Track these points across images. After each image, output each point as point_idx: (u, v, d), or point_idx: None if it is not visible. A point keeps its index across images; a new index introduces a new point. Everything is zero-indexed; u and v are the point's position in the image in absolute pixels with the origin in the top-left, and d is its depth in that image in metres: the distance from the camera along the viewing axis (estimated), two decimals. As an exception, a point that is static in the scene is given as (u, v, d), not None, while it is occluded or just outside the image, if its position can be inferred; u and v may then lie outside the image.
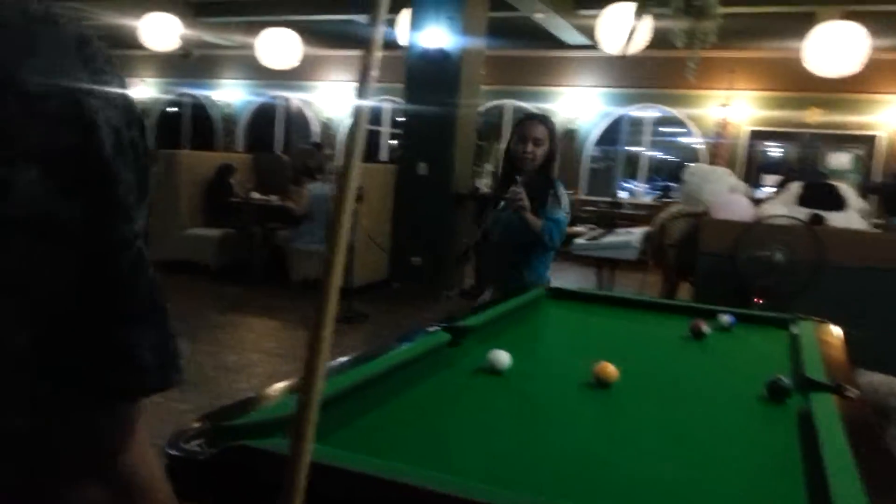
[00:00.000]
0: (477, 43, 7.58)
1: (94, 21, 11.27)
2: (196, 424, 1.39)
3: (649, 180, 12.77)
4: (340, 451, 1.30)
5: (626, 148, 12.78)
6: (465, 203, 7.51)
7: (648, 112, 11.79)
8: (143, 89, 14.91)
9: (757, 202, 5.27)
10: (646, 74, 11.14)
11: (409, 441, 1.49)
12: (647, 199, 11.74)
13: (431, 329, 2.16)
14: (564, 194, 3.00)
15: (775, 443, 1.56)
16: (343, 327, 5.72)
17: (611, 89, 11.68)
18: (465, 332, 2.24)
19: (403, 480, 1.13)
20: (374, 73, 0.56)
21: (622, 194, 12.29)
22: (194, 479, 1.28)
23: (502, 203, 2.85)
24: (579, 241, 5.72)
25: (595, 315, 2.86)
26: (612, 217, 9.53)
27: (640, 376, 2.03)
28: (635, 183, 12.72)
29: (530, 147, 2.90)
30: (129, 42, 11.02)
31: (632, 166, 12.97)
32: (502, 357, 1.97)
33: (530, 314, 2.71)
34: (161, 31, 8.75)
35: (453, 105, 7.27)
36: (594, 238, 5.81)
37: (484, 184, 7.80)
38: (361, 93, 0.54)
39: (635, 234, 5.63)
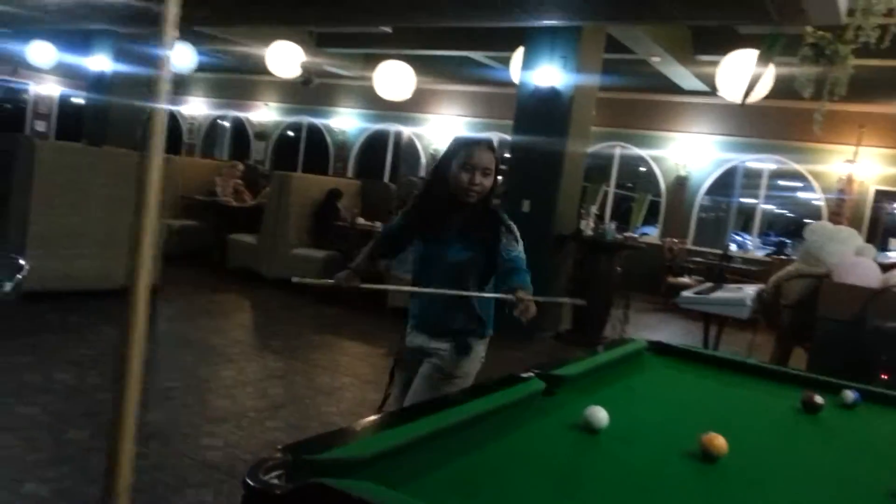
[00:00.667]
0: (589, 83, 7.49)
1: (225, 47, 11.96)
2: (278, 455, 1.35)
3: (762, 234, 12.19)
4: (418, 501, 1.23)
5: (740, 199, 12.26)
6: (568, 244, 7.36)
7: (766, 163, 11.27)
8: (266, 112, 15.62)
9: (886, 267, 4.87)
10: (765, 124, 10.69)
11: (492, 497, 1.39)
12: (760, 255, 11.17)
13: (525, 375, 2.07)
14: (512, 224, 2.53)
15: None
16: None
17: (726, 137, 11.26)
18: (561, 381, 2.13)
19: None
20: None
21: (733, 247, 11.76)
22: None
23: (514, 313, 2.23)
24: (686, 293, 5.45)
25: (700, 376, 2.67)
26: (722, 270, 9.10)
27: (750, 452, 1.85)
28: (747, 236, 12.15)
29: (478, 178, 2.42)
30: (256, 68, 11.62)
31: (744, 218, 12.42)
32: (599, 414, 1.85)
33: (630, 368, 2.56)
34: (285, 59, 9.14)
35: (560, 145, 7.18)
36: (703, 292, 5.53)
37: (588, 226, 7.62)
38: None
39: (748, 291, 5.31)
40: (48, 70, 13.70)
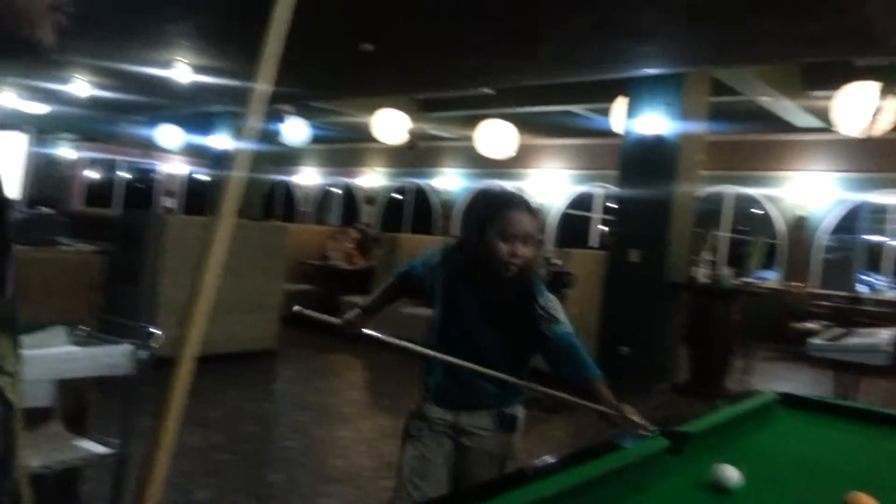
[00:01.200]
0: (696, 128, 7.33)
1: (335, 119, 12.58)
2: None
3: (894, 274, 11.34)
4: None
5: (866, 237, 11.49)
6: (681, 292, 7.12)
7: (893, 198, 10.55)
8: (373, 178, 16.20)
9: None
10: (890, 157, 10.05)
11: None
12: (892, 295, 10.37)
13: (649, 433, 1.99)
14: (549, 297, 2.14)
15: None
16: (548, 416, 5.55)
17: (847, 173, 10.66)
18: (686, 438, 2.03)
19: None
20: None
21: (861, 288, 10.98)
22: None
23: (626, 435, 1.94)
24: (817, 340, 5.11)
25: (839, 430, 2.47)
26: (851, 314, 8.50)
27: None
28: (877, 276, 11.33)
29: (520, 249, 2.03)
30: (363, 136, 12.11)
31: (873, 258, 11.60)
32: (731, 474, 1.74)
33: (760, 423, 2.41)
34: (391, 126, 9.49)
35: (668, 192, 7.02)
36: (834, 338, 5.17)
37: (701, 273, 7.35)
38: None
39: (884, 335, 4.93)
40: (176, 150, 14.82)
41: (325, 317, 2.34)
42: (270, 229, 8.18)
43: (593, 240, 13.22)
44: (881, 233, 11.08)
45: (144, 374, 2.45)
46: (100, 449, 2.46)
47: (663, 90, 7.09)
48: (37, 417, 2.54)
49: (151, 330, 2.66)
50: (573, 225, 13.80)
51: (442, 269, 2.21)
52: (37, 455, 2.35)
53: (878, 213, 11.05)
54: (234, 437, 4.55)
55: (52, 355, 2.51)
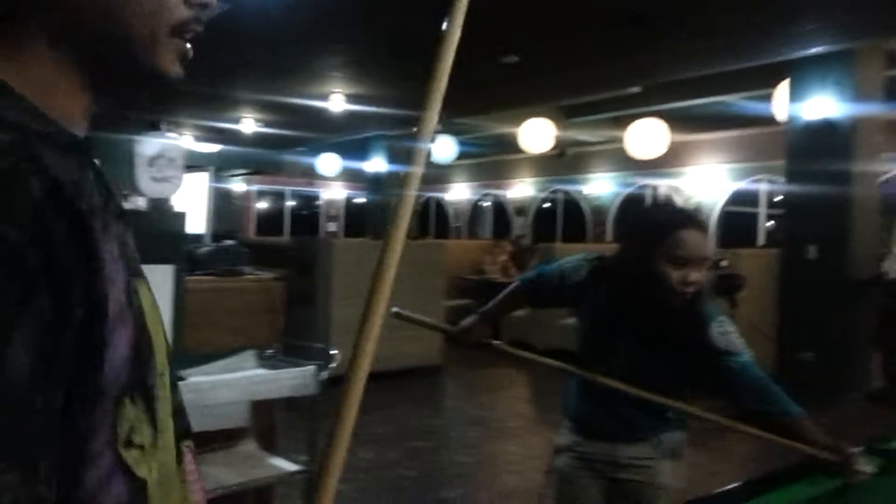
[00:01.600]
0: (873, 108, 6.69)
1: (481, 133, 12.74)
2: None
3: None
4: None
5: None
6: (869, 289, 6.49)
7: None
8: (523, 188, 16.22)
9: None
10: None
11: None
12: None
13: (859, 450, 1.81)
14: (725, 320, 1.90)
15: None
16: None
17: None
18: (894, 456, 1.83)
19: None
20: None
21: None
22: None
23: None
24: None
25: None
26: None
27: None
28: None
29: (693, 274, 1.81)
30: (510, 148, 12.19)
31: None
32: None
33: None
34: (537, 135, 9.46)
35: (846, 179, 6.45)
36: None
37: (892, 267, 6.67)
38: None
39: None
40: (335, 176, 15.65)
41: (429, 320, 2.28)
42: (427, 247, 8.40)
43: (760, 237, 12.41)
44: None
45: (326, 393, 2.57)
46: (290, 466, 2.61)
47: (831, 69, 6.54)
48: (233, 437, 2.74)
49: (330, 351, 2.80)
50: (736, 223, 13.03)
51: (589, 288, 1.99)
52: (234, 472, 2.53)
53: None
54: (406, 453, 4.68)
55: (244, 378, 2.70)
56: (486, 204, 17.73)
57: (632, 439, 1.97)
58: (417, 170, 0.84)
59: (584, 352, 2.05)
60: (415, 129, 0.83)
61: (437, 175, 16.77)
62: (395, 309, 2.11)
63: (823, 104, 6.58)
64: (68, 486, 0.47)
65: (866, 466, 1.68)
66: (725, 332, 1.88)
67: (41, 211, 0.45)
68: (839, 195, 6.48)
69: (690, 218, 1.89)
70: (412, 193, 0.82)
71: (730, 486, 1.59)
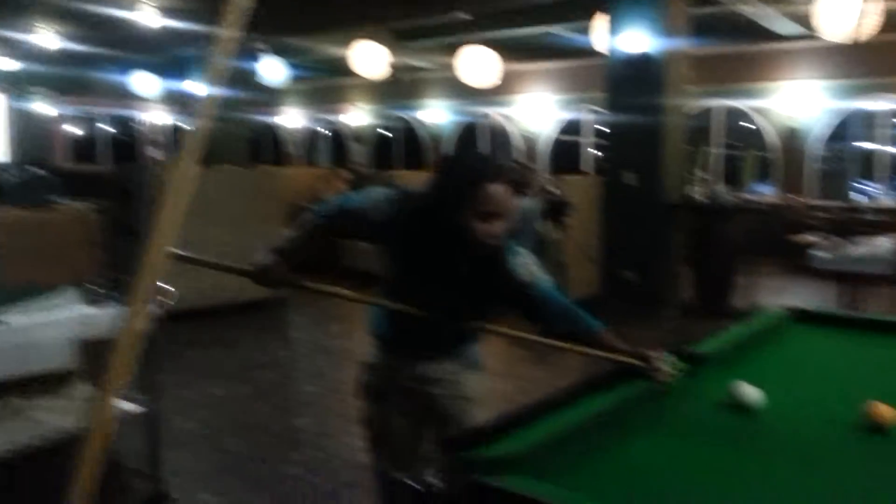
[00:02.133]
0: (680, 43, 7.18)
1: (312, 56, 12.30)
2: (435, 456, 1.39)
3: (889, 180, 11.36)
4: (579, 495, 1.23)
5: (859, 145, 11.46)
6: (679, 212, 7.13)
7: (883, 104, 10.47)
8: (360, 116, 15.97)
9: None
10: (878, 61, 9.91)
11: (652, 484, 1.37)
12: (889, 202, 10.42)
13: (663, 355, 2.02)
14: (523, 251, 1.99)
15: None
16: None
17: (836, 81, 10.52)
18: (701, 359, 2.07)
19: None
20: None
21: (857, 197, 11.02)
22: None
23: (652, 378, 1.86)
24: (821, 253, 5.14)
25: (851, 341, 2.52)
26: (849, 224, 8.55)
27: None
28: (871, 184, 11.36)
29: (498, 226, 1.86)
30: (344, 71, 11.86)
31: (866, 166, 11.60)
32: (750, 392, 1.79)
33: (772, 340, 2.45)
34: (370, 58, 9.29)
35: (657, 110, 6.93)
36: (836, 250, 5.20)
37: (697, 191, 7.35)
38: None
39: (885, 243, 4.97)
40: (155, 99, 14.54)
41: (217, 261, 2.01)
42: (261, 175, 8.11)
43: (586, 165, 13.15)
44: (872, 140, 11.05)
45: (160, 331, 2.46)
46: (130, 406, 2.49)
47: (645, 4, 6.91)
48: (65, 379, 2.56)
49: (163, 286, 2.66)
50: (565, 151, 13.70)
51: (397, 222, 1.95)
52: (69, 416, 2.38)
53: (869, 120, 10.99)
54: (255, 386, 4.62)
55: (68, 318, 2.51)
56: (324, 131, 17.31)
57: (436, 356, 2.07)
58: (214, 93, 0.79)
59: (388, 280, 2.07)
60: (213, 48, 0.77)
61: (270, 99, 16.06)
62: (171, 249, 1.80)
63: (638, 38, 6.94)
64: None
65: (669, 369, 1.88)
66: (525, 264, 1.95)
67: None
68: (652, 125, 6.97)
69: (497, 170, 1.87)
70: (207, 118, 0.77)
71: (547, 394, 1.71)
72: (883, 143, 10.82)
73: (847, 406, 1.74)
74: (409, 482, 1.33)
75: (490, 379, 4.86)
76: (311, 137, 17.41)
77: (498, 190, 1.83)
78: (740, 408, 1.78)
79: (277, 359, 5.36)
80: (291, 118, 17.38)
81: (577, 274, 6.60)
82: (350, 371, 5.00)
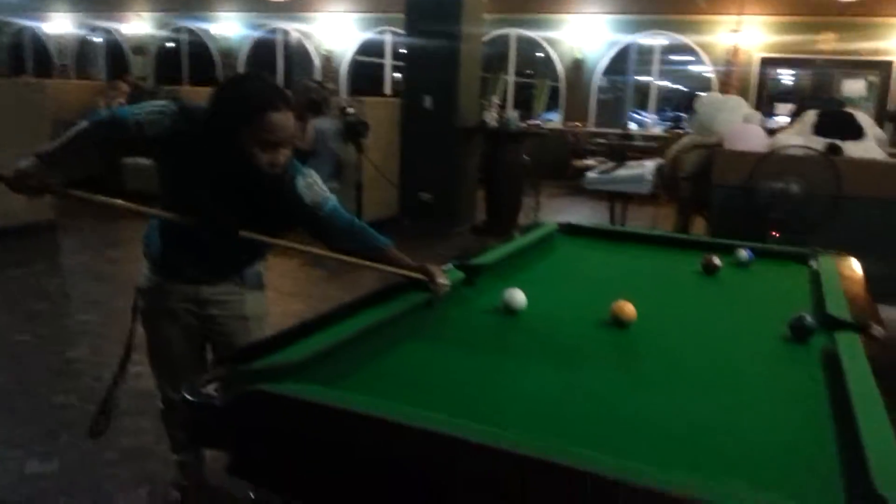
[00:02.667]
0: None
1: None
2: (213, 369, 1.37)
3: (659, 111, 12.54)
4: (353, 394, 1.28)
5: (635, 77, 12.48)
6: (473, 136, 7.39)
7: (657, 39, 11.45)
8: (140, 25, 14.56)
9: (771, 132, 5.15)
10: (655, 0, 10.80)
11: (426, 382, 1.47)
12: (658, 131, 11.54)
13: (445, 268, 2.13)
14: (310, 172, 1.97)
15: (800, 384, 1.53)
16: (332, 274, 5.69)
17: (618, 16, 11.32)
18: (479, 270, 2.20)
19: (415, 424, 1.11)
20: None
21: (632, 126, 12.07)
22: (211, 425, 1.27)
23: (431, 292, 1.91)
24: (591, 174, 5.61)
25: (610, 251, 2.81)
26: (623, 149, 9.37)
27: (657, 315, 2.00)
28: (645, 114, 12.48)
29: (281, 155, 1.81)
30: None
31: (641, 97, 12.69)
32: (518, 297, 1.94)
33: (544, 251, 2.67)
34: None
35: (455, 36, 7.05)
36: (606, 172, 5.71)
37: (491, 117, 7.64)
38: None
39: (648, 166, 5.53)
40: None
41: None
42: (24, 87, 7.20)
43: (386, 87, 13.12)
44: (647, 73, 12.07)
45: None
46: None
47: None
48: None
49: None
50: (365, 72, 13.53)
51: (175, 139, 1.83)
52: None
53: (645, 54, 11.97)
54: (23, 316, 4.21)
55: None
56: (98, 40, 15.60)
57: (214, 280, 2.03)
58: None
59: (165, 196, 1.93)
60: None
61: (31, 2, 14.14)
62: None
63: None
64: None
65: (446, 280, 1.97)
66: (310, 184, 1.92)
67: None
68: (449, 51, 7.08)
69: (280, 97, 1.78)
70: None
71: (332, 308, 1.74)
72: (656, 77, 11.86)
73: (601, 306, 1.95)
74: (187, 397, 1.30)
75: (283, 299, 4.85)
76: (83, 47, 15.66)
77: (280, 119, 1.75)
78: (509, 311, 1.93)
79: (48, 287, 4.92)
80: (59, 25, 15.46)
81: (376, 195, 6.67)
82: (129, 298, 4.74)
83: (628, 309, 1.84)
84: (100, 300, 4.60)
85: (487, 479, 1.03)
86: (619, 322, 1.83)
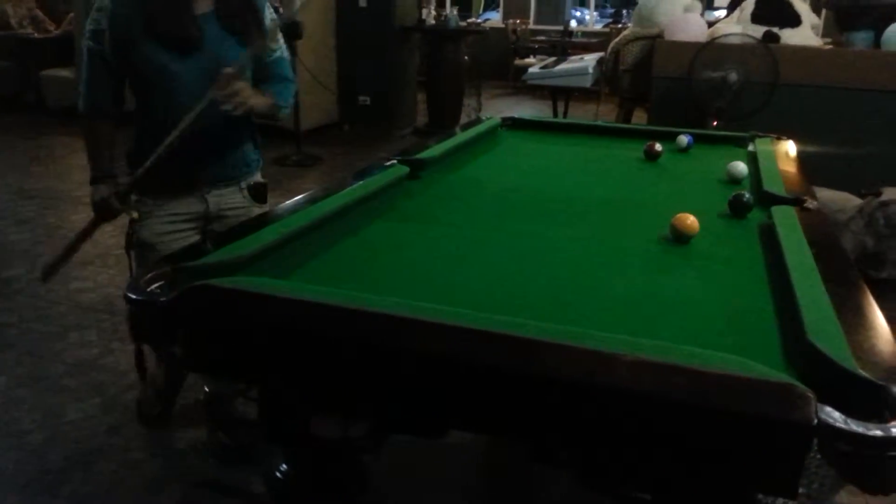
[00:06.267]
0: None
1: None
2: (157, 269, 1.33)
3: (599, 7, 12.36)
4: (309, 285, 1.27)
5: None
6: (412, 36, 7.17)
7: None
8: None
9: (711, 24, 5.13)
10: None
11: (374, 274, 1.46)
12: (599, 27, 11.40)
13: (389, 163, 2.09)
14: (268, 7, 1.93)
15: (740, 253, 1.58)
16: (296, 171, 5.58)
17: None
18: (423, 164, 2.17)
19: (376, 310, 1.11)
20: None
21: (573, 23, 11.89)
22: (157, 323, 1.25)
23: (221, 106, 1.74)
24: (533, 70, 5.54)
25: (552, 143, 2.80)
26: (564, 46, 9.25)
27: (606, 196, 2.03)
28: (585, 10, 12.29)
29: None
30: None
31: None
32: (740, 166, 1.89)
33: (487, 145, 2.64)
34: None
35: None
36: (547, 67, 5.64)
37: (430, 15, 7.41)
38: None
39: (589, 60, 5.48)
40: None
41: (75, 240, 1.91)
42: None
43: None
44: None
45: None
46: None
47: None
48: None
49: None
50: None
51: (120, 21, 1.75)
52: None
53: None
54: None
55: None
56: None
57: (220, 183, 1.96)
58: None
59: (142, 104, 1.88)
60: None
61: None
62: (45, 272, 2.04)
63: None
64: None
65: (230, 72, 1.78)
66: (273, 19, 1.93)
67: None
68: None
69: None
70: None
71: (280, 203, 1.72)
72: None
73: (550, 192, 1.95)
74: (129, 295, 1.26)
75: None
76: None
77: None
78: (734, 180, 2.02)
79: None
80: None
81: (314, 100, 6.48)
82: (64, 215, 4.61)
83: (690, 221, 1.60)
84: (31, 218, 4.43)
85: (433, 354, 1.04)
86: (680, 237, 1.60)
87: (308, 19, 6.20)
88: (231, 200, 2.00)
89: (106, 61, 1.81)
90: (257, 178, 2.08)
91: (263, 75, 1.93)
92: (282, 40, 1.99)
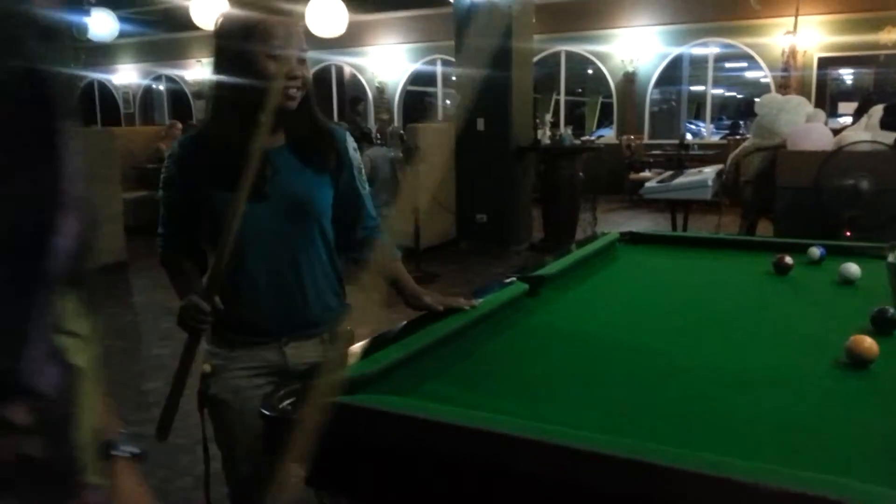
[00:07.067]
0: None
1: (147, 7, 11.47)
2: (288, 386, 1.39)
3: (715, 119, 12.32)
4: (431, 403, 1.28)
5: (689, 87, 12.31)
6: (527, 155, 7.39)
7: (709, 48, 11.28)
8: (201, 71, 15.16)
9: (835, 133, 4.99)
10: (703, 6, 10.66)
11: (496, 390, 1.46)
12: (715, 139, 11.32)
13: (508, 280, 2.12)
14: (349, 139, 1.76)
15: (892, 376, 1.47)
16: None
17: (668, 26, 11.21)
18: (543, 281, 2.19)
19: (497, 430, 1.10)
20: None
21: (688, 136, 11.89)
22: (286, 438, 1.29)
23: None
24: (650, 184, 5.53)
25: (675, 257, 2.75)
26: (680, 160, 9.22)
27: (735, 315, 1.95)
28: (701, 123, 12.28)
29: (298, 68, 1.56)
30: (183, 25, 11.18)
31: (696, 106, 12.50)
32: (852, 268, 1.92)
33: (606, 260, 2.63)
34: (210, 10, 8.80)
35: (507, 57, 7.11)
36: (665, 180, 5.62)
37: (545, 135, 7.65)
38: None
39: (708, 172, 5.41)
40: None
41: (175, 381, 1.72)
42: (95, 135, 7.56)
43: (439, 114, 13.27)
44: (701, 82, 11.88)
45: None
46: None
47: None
48: None
49: None
50: (417, 101, 13.74)
51: (188, 170, 1.66)
52: None
53: (699, 63, 11.80)
54: (102, 352, 4.38)
55: None
56: (161, 87, 16.29)
57: (303, 335, 1.71)
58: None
59: (215, 239, 1.60)
60: None
61: (100, 55, 14.89)
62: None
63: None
64: (10, 360, 0.47)
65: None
66: (356, 149, 1.78)
67: None
68: (501, 72, 7.13)
69: (273, 5, 1.58)
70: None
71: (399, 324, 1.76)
72: (710, 85, 11.67)
73: (672, 309, 1.91)
74: (264, 412, 1.32)
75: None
76: (147, 94, 16.37)
77: (283, 24, 1.54)
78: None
79: (121, 324, 5.10)
80: (125, 75, 16.23)
81: (433, 219, 6.72)
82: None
83: (867, 344, 1.47)
84: (170, 335, 4.75)
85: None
86: (859, 361, 1.47)
87: (428, 143, 6.55)
88: (312, 353, 1.71)
89: (179, 209, 1.73)
90: (342, 327, 1.75)
91: (348, 215, 1.74)
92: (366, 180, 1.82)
